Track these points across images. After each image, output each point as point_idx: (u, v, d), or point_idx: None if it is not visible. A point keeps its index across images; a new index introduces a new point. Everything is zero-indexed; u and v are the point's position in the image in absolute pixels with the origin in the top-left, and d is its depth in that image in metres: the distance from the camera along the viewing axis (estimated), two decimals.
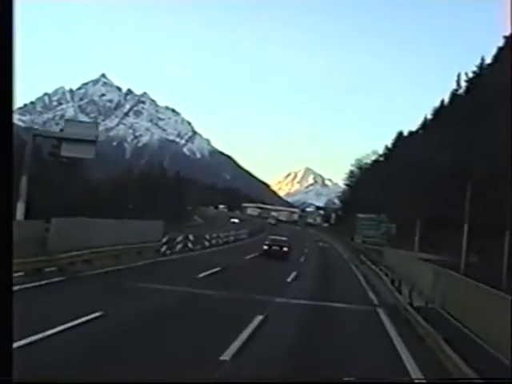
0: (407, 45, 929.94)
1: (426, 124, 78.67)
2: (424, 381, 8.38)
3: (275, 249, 36.06)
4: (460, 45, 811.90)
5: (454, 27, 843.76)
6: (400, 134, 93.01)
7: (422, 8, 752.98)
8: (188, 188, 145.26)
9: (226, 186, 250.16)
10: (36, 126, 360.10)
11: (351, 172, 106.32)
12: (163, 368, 7.52)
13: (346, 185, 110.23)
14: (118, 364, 7.61)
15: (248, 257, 32.87)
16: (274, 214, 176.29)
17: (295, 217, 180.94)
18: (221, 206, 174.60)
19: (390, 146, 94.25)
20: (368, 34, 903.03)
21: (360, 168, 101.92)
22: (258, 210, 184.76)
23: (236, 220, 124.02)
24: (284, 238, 39.16)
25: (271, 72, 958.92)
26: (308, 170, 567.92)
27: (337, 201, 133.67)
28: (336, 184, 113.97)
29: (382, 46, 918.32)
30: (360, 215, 60.83)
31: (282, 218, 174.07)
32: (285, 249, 36.50)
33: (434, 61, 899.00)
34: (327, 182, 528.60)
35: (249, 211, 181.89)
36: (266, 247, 36.62)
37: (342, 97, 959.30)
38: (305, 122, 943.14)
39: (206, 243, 35.87)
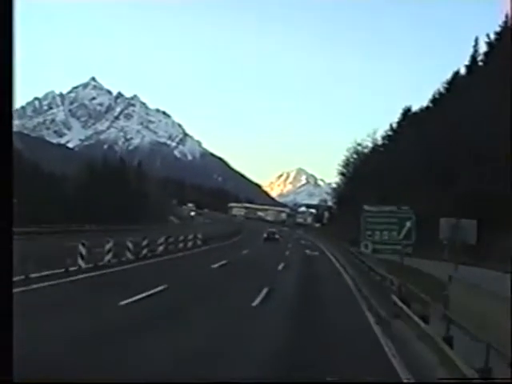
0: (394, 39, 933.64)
1: (436, 99, 64.49)
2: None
3: (271, 237, 63.83)
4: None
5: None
6: (408, 110, 75.16)
7: None
8: (168, 188, 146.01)
9: (213, 186, 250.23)
10: (26, 131, 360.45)
11: (347, 160, 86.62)
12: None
13: (341, 173, 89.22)
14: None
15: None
16: (260, 213, 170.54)
17: (283, 216, 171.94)
18: (189, 205, 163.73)
19: (395, 125, 76.31)
20: (358, 29, 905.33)
21: (358, 154, 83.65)
22: (244, 210, 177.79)
23: (193, 213, 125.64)
24: (274, 230, 72.47)
25: (262, 73, 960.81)
26: (300, 171, 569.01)
27: (329, 198, 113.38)
28: (329, 184, 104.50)
29: (373, 40, 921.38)
30: (368, 208, 33.53)
31: (269, 218, 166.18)
32: (276, 236, 65.81)
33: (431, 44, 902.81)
34: (320, 182, 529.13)
35: (234, 211, 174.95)
36: (265, 235, 64.49)
37: (334, 96, 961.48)
38: (297, 122, 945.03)
39: (129, 255, 24.19)
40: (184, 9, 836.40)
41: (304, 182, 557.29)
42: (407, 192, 44.43)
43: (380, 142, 78.82)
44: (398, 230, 26.04)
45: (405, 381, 7.86)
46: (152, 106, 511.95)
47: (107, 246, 21.79)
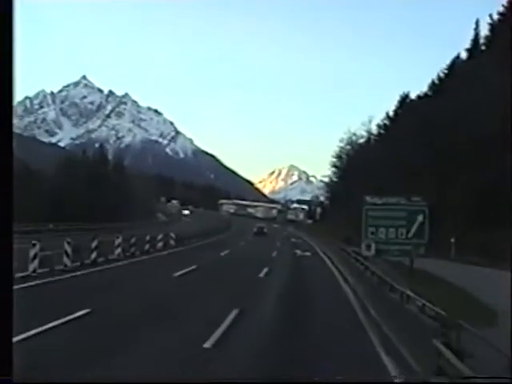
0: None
1: (436, 85, 59.66)
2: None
3: (260, 231, 72.07)
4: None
5: None
6: (405, 97, 69.88)
7: None
8: (159, 185, 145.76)
9: (205, 184, 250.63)
10: (18, 131, 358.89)
11: (340, 151, 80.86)
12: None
13: (334, 166, 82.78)
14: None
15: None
16: (250, 210, 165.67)
17: (274, 213, 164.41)
18: (174, 201, 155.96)
19: (391, 113, 70.82)
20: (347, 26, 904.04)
21: (352, 144, 77.89)
22: (234, 207, 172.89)
23: (187, 212, 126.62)
24: (263, 225, 79.23)
25: (253, 70, 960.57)
26: (292, 167, 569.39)
27: (321, 193, 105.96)
28: (321, 181, 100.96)
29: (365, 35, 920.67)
30: (370, 199, 24.49)
31: (259, 214, 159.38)
32: (265, 230, 74.30)
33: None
34: (312, 179, 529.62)
35: (224, 208, 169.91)
36: (255, 230, 72.92)
37: (325, 92, 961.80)
38: (288, 118, 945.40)
39: (68, 262, 19.06)
40: (174, 6, 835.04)
41: (296, 178, 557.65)
42: (406, 184, 40.05)
43: (375, 131, 74.07)
44: (407, 226, 20.35)
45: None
46: (143, 104, 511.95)
47: (32, 252, 16.58)
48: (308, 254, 40.31)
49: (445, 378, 6.81)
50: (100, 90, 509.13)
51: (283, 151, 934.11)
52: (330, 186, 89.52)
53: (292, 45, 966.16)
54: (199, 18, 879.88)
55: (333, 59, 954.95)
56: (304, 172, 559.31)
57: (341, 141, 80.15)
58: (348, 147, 78.96)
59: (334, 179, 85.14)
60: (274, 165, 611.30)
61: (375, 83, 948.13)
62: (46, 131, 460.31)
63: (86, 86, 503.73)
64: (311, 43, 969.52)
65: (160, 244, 32.96)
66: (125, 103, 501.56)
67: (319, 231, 72.11)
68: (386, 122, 70.90)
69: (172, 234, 36.99)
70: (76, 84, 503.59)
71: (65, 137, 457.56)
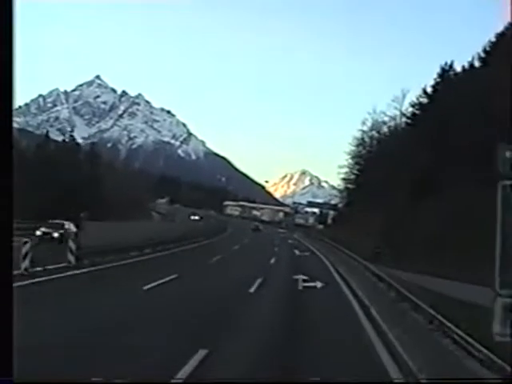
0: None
1: (488, 52, 45.54)
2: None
3: (256, 228, 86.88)
4: None
5: None
6: (448, 68, 52.89)
7: None
8: (164, 185, 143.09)
9: (214, 185, 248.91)
10: (30, 129, 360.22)
11: (362, 135, 65.59)
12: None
13: (355, 156, 68.35)
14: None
15: None
16: (256, 212, 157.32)
17: (280, 216, 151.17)
18: (161, 200, 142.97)
19: (429, 89, 53.93)
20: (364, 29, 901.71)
21: (376, 128, 63.06)
22: (239, 209, 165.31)
23: (196, 217, 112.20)
24: (258, 224, 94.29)
25: (268, 73, 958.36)
26: (304, 172, 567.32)
27: (335, 194, 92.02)
28: (332, 186, 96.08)
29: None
30: None
31: (265, 217, 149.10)
32: (260, 227, 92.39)
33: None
34: (323, 184, 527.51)
35: (228, 210, 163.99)
36: (253, 227, 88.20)
37: (339, 99, 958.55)
38: (301, 123, 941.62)
39: None
40: (191, 9, 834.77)
41: (308, 183, 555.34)
42: (457, 175, 30.83)
43: (408, 111, 58.50)
44: None
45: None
46: (157, 105, 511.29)
47: None
48: (319, 284, 22.17)
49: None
50: (113, 90, 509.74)
51: (295, 156, 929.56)
52: (346, 182, 72.70)
53: (305, 49, 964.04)
54: (215, 21, 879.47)
55: (355, 54, 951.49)
56: (316, 177, 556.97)
57: (364, 122, 65.27)
58: (373, 132, 64.20)
59: (353, 172, 69.17)
60: (286, 169, 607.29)
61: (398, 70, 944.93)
62: (59, 130, 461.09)
63: (99, 85, 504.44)
64: (324, 46, 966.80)
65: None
66: (138, 104, 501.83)
67: (333, 240, 54.03)
68: (424, 99, 54.83)
69: (72, 244, 21.63)
70: (89, 83, 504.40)
71: (77, 136, 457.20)
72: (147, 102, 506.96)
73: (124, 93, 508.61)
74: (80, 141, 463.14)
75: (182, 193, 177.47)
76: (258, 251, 43.93)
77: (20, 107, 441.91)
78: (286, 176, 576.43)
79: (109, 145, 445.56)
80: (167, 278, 19.60)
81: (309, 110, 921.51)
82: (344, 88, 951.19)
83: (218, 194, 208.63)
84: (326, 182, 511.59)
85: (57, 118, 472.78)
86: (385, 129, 62.78)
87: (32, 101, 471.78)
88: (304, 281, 22.60)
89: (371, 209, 46.86)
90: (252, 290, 19.02)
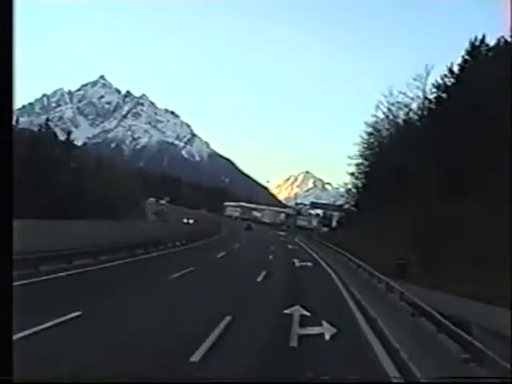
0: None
1: None
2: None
3: (248, 227, 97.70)
4: None
5: None
6: (480, 43, 42.19)
7: None
8: (164, 186, 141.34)
9: (216, 186, 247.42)
10: (34, 128, 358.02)
11: (370, 135, 56.70)
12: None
13: (367, 146, 59.13)
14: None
15: None
16: (256, 214, 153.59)
17: (282, 218, 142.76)
18: (151, 200, 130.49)
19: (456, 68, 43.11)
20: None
21: (392, 112, 52.55)
22: (240, 210, 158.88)
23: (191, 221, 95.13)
24: (250, 222, 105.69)
25: (272, 75, 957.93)
26: (308, 174, 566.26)
27: (342, 194, 76.42)
28: (336, 188, 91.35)
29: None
30: None
31: (265, 219, 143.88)
32: (252, 226, 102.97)
33: None
34: (327, 187, 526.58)
35: (228, 211, 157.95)
36: (245, 226, 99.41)
37: (343, 101, 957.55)
38: (305, 125, 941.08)
39: None
40: (195, 8, 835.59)
41: (311, 185, 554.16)
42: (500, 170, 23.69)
43: (429, 94, 47.32)
44: None
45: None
46: (161, 105, 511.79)
47: None
48: (327, 334, 11.59)
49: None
50: (118, 91, 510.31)
51: (299, 158, 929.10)
52: (356, 178, 63.77)
53: (310, 51, 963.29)
54: (220, 21, 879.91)
55: (355, 65, 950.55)
56: (320, 179, 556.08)
57: (378, 106, 53.29)
58: (389, 117, 52.79)
59: (365, 165, 58.92)
60: (290, 171, 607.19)
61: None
62: (62, 129, 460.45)
63: (103, 85, 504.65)
64: (330, 47, 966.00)
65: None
66: (142, 104, 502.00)
67: (340, 246, 39.07)
68: (450, 79, 43.66)
69: None
70: (94, 83, 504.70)
71: (81, 136, 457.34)
72: (151, 102, 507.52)
73: (128, 93, 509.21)
74: (84, 140, 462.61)
75: (182, 193, 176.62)
76: (247, 262, 33.08)
77: (24, 107, 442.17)
78: (289, 178, 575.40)
79: (112, 145, 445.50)
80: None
81: (313, 112, 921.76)
82: (348, 89, 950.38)
83: (218, 194, 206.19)
84: (330, 184, 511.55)
85: (61, 118, 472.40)
86: (401, 115, 51.94)
87: (36, 100, 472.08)
88: (302, 324, 12.56)
89: (386, 210, 39.84)
90: (226, 321, 12.07)
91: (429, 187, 22.55)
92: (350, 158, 62.58)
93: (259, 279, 22.49)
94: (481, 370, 6.51)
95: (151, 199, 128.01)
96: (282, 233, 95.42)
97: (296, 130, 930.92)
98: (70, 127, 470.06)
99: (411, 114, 50.35)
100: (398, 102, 51.20)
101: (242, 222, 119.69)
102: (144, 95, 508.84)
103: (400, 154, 40.68)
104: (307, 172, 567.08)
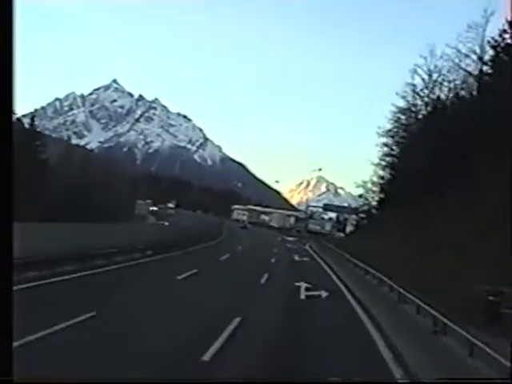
0: None
1: None
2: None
3: (244, 226, 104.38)
4: None
5: None
6: None
7: None
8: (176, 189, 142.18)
9: (227, 190, 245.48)
10: (47, 132, 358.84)
11: (396, 121, 47.99)
12: None
13: (390, 152, 50.75)
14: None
15: None
16: (264, 217, 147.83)
17: (291, 221, 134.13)
18: (140, 201, 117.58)
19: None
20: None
21: (427, 86, 43.04)
22: (248, 214, 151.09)
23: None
24: (245, 220, 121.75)
25: (285, 79, 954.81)
26: (320, 179, 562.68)
27: (360, 192, 66.58)
28: (349, 193, 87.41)
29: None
30: None
31: (274, 223, 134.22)
32: (248, 225, 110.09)
33: None
34: (340, 191, 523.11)
35: (235, 215, 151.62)
36: (241, 225, 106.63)
37: (358, 106, 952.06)
38: (319, 130, 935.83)
39: None
40: (208, 12, 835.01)
41: (324, 190, 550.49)
42: None
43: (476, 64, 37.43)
44: None
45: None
46: (173, 109, 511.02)
47: None
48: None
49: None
50: (130, 94, 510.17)
51: (312, 162, 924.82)
52: (381, 167, 53.42)
53: (324, 53, 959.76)
54: (231, 24, 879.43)
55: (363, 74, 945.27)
56: (332, 184, 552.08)
57: (414, 74, 43.15)
58: (430, 88, 42.01)
59: (391, 154, 48.55)
60: (303, 175, 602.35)
61: None
62: (75, 133, 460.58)
63: (116, 89, 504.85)
64: (344, 50, 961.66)
65: None
66: (154, 108, 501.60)
67: (364, 260, 27.87)
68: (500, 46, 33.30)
69: None
70: (106, 87, 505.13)
71: (93, 140, 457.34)
72: (164, 106, 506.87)
73: (141, 97, 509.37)
74: (97, 144, 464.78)
75: (190, 196, 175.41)
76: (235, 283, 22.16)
77: (36, 110, 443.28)
78: (302, 182, 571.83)
79: (125, 149, 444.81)
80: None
81: (327, 118, 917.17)
82: (361, 94, 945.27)
83: (229, 198, 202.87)
84: (343, 188, 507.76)
85: (73, 122, 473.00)
86: (444, 87, 40.56)
87: (48, 104, 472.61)
88: None
89: (431, 210, 29.30)
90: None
91: (485, 185, 15.27)
92: (376, 145, 53.41)
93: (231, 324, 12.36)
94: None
95: (141, 202, 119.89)
96: (290, 238, 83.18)
97: (309, 135, 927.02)
98: (83, 131, 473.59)
99: (465, 80, 38.33)
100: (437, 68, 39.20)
101: (251, 227, 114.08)
102: (156, 99, 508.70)
103: (451, 129, 31.11)
104: (320, 176, 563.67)
